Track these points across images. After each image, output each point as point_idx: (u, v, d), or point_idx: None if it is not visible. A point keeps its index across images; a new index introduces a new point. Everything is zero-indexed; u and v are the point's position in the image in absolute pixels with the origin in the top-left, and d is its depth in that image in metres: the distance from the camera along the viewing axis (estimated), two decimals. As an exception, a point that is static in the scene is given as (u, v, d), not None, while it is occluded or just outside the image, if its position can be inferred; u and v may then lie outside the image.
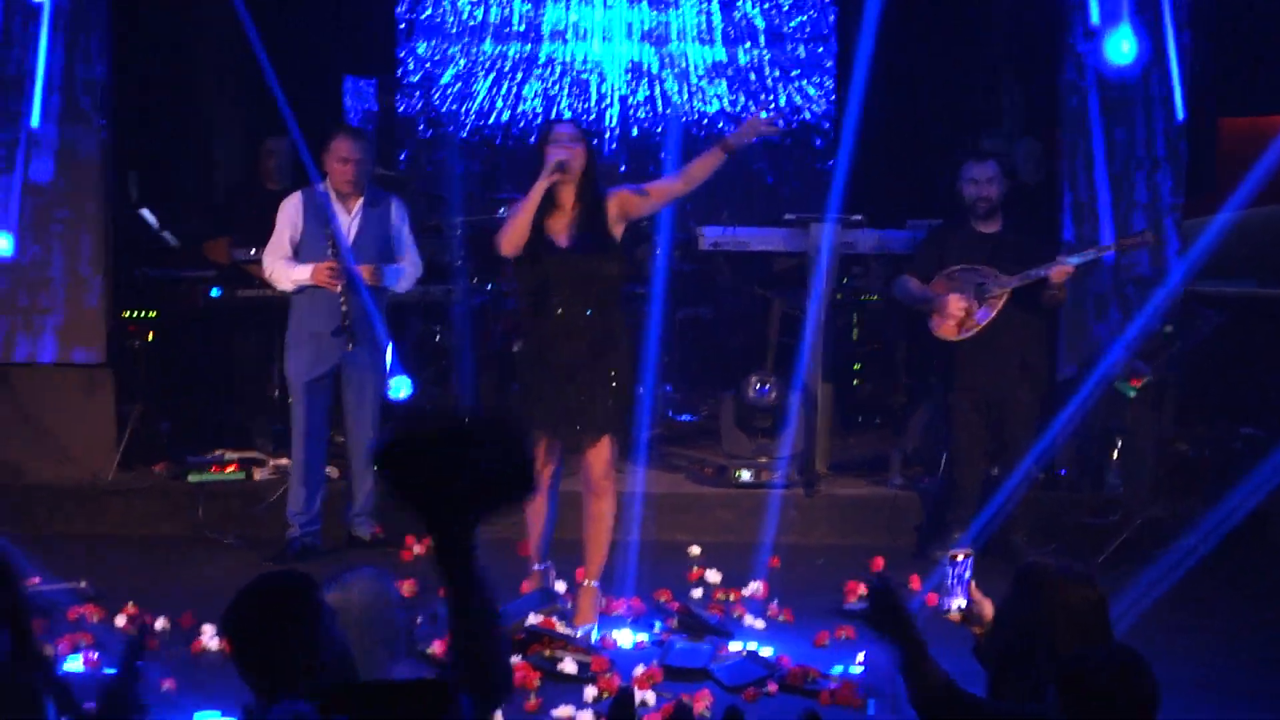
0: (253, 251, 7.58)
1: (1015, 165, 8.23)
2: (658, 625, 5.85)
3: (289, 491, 6.89)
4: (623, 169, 10.58)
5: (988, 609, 3.74)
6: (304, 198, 6.78)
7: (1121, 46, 7.06)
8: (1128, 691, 2.83)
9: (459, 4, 11.21)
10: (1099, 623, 3.39)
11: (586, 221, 5.57)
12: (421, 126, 11.21)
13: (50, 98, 7.34)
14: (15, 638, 2.34)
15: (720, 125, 11.26)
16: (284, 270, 6.71)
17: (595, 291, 5.56)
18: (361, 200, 6.74)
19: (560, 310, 5.57)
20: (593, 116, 11.22)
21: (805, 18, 11.19)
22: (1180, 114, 7.44)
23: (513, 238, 5.55)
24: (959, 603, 3.75)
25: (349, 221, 6.71)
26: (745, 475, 7.51)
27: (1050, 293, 6.72)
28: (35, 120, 7.31)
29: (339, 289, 6.60)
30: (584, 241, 5.55)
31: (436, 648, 5.15)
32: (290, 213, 6.76)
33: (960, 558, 3.77)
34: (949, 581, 3.74)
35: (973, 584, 3.76)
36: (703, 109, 11.30)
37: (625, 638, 5.70)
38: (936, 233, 7.25)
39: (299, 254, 6.73)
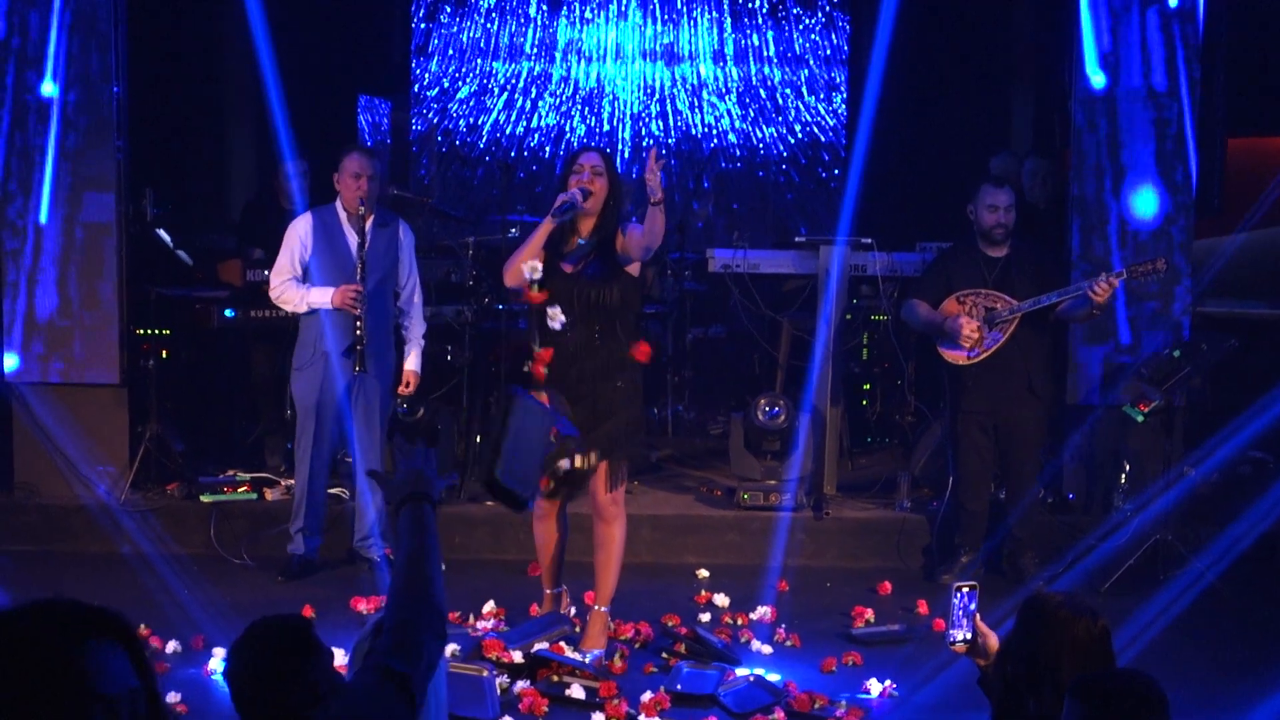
0: (265, 273, 7.63)
1: (1021, 185, 8.25)
2: (664, 652, 5.86)
3: (293, 507, 6.95)
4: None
5: (992, 641, 3.77)
6: (314, 218, 6.78)
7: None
8: (1144, 694, 2.87)
9: (472, 24, 11.29)
10: (1103, 655, 3.41)
11: (599, 251, 5.60)
12: (435, 146, 11.28)
13: (67, 119, 7.42)
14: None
15: (734, 145, 11.32)
16: (297, 292, 6.69)
17: (602, 318, 5.58)
18: (372, 220, 6.72)
19: (568, 335, 5.60)
20: (605, 133, 11.30)
21: (818, 39, 11.24)
22: (1190, 137, 7.47)
23: (516, 272, 5.58)
24: (964, 635, 3.77)
25: (360, 242, 6.69)
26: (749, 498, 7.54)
27: (1093, 310, 6.71)
28: (51, 140, 7.40)
29: (359, 311, 6.61)
30: (593, 269, 5.58)
31: None
32: (300, 233, 6.74)
33: (965, 589, 3.79)
34: (954, 613, 3.77)
35: (977, 615, 3.79)
36: (715, 128, 11.35)
37: (633, 663, 5.72)
38: (944, 256, 7.26)
39: (309, 274, 6.73)
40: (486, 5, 11.32)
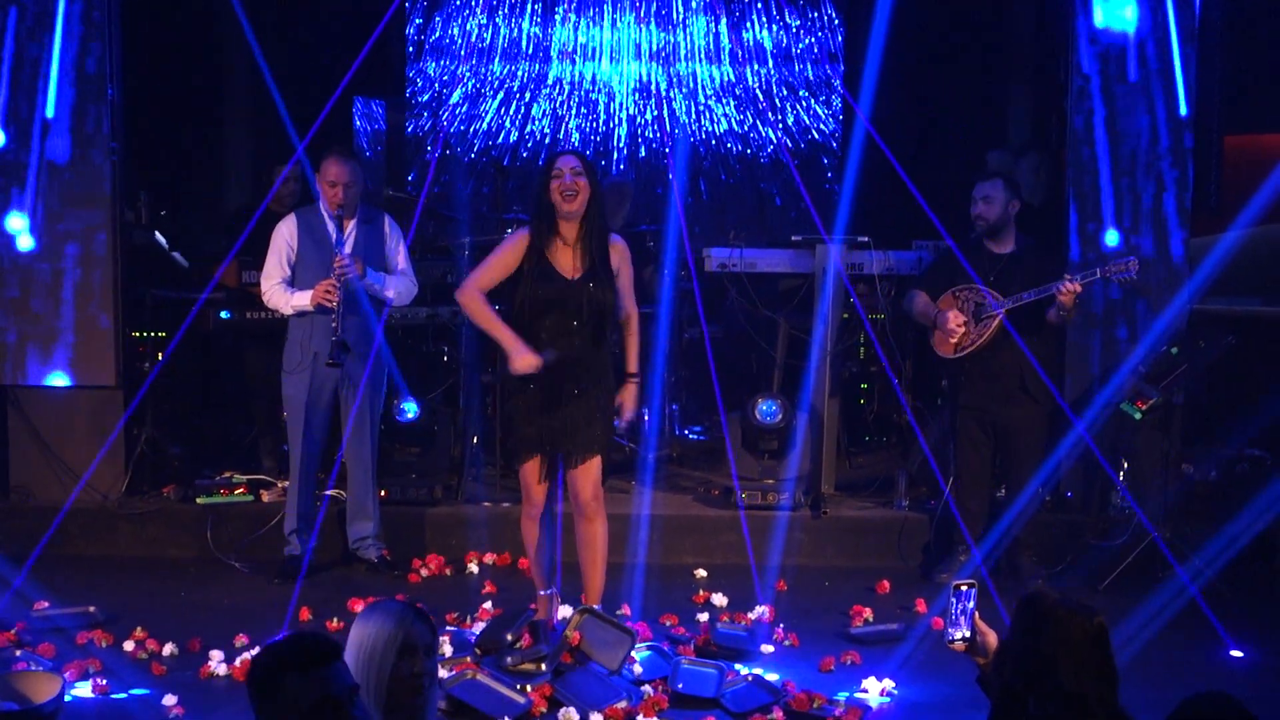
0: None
1: (1019, 181, 8.20)
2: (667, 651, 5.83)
3: (286, 508, 6.95)
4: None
5: (991, 639, 3.76)
6: (298, 219, 6.80)
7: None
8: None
9: (468, 25, 11.28)
10: (1101, 653, 3.40)
11: (590, 253, 5.62)
12: (430, 147, 11.26)
13: (62, 122, 7.40)
14: None
15: (729, 145, 11.30)
16: (283, 296, 6.72)
17: (592, 320, 5.61)
18: (355, 219, 6.75)
19: (555, 334, 5.61)
20: (601, 136, 11.27)
21: (814, 38, 11.22)
22: (1186, 135, 7.47)
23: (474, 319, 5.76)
24: (963, 633, 3.76)
25: (344, 239, 6.68)
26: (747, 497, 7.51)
27: (1059, 312, 6.70)
28: (45, 143, 7.37)
29: (334, 304, 6.56)
30: (589, 273, 5.61)
31: None
32: (285, 235, 6.77)
33: (964, 588, 3.78)
34: (953, 612, 3.75)
35: (976, 614, 3.77)
36: (711, 128, 11.34)
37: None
38: (951, 250, 7.24)
39: (296, 275, 6.74)
40: (481, 5, 11.30)
